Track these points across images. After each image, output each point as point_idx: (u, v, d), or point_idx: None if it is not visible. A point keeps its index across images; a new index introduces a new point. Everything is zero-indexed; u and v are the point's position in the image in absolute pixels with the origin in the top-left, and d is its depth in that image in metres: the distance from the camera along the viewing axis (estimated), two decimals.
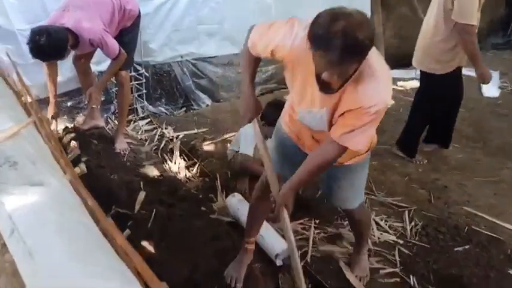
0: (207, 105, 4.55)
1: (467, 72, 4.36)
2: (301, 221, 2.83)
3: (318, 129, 1.80)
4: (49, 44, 2.65)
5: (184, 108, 4.49)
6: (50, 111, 3.22)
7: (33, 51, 2.69)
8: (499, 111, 4.63)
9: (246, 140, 3.08)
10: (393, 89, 4.95)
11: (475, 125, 4.28)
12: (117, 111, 3.81)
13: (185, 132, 3.86)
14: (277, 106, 2.81)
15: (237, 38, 4.62)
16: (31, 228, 0.87)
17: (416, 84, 4.87)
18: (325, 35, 1.35)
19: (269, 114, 2.83)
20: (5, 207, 0.92)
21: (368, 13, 5.34)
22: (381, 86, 1.57)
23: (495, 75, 5.37)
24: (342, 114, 1.62)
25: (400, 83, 5.11)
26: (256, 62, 1.92)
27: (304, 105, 1.76)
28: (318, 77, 1.54)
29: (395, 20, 5.84)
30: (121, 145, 3.37)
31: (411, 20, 5.71)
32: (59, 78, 3.35)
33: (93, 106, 3.39)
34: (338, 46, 1.33)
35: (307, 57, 1.50)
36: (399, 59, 5.80)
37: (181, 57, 4.38)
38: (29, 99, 1.72)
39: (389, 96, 1.59)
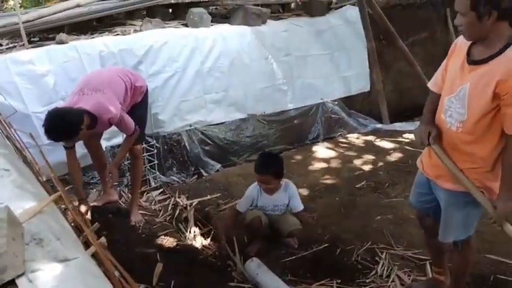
0: (217, 170, 4.60)
1: None
2: (323, 281, 2.77)
3: (459, 119, 1.98)
4: (63, 125, 2.75)
5: (196, 176, 4.54)
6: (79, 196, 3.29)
7: (47, 132, 2.78)
8: None
9: (245, 199, 3.15)
10: (400, 141, 5.01)
11: None
12: (130, 183, 3.87)
13: (198, 200, 3.87)
14: (267, 157, 3.19)
15: (243, 103, 4.79)
16: None
17: None
18: None
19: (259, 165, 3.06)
20: (34, 284, 0.94)
21: (367, 71, 5.54)
22: None
23: None
24: (497, 97, 1.83)
25: (405, 135, 5.17)
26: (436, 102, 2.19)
27: (450, 92, 2.02)
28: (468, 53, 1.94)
29: (393, 75, 6.03)
30: (136, 217, 3.39)
31: (409, 74, 5.89)
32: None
33: (115, 183, 3.44)
34: None
35: (457, 50, 2.01)
36: (401, 112, 5.93)
37: (190, 126, 4.51)
38: (52, 175, 1.79)
39: None
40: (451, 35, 6.15)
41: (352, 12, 5.42)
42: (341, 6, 5.53)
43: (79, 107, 2.87)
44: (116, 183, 3.64)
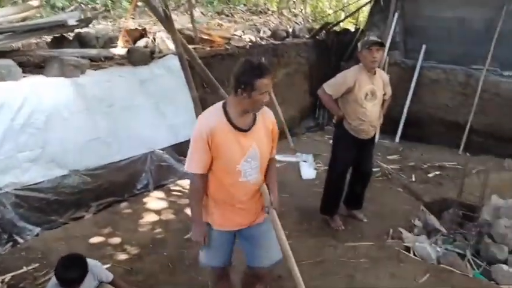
0: (37, 234, 4.23)
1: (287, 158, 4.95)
2: None
3: (253, 173, 2.48)
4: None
5: (10, 243, 4.10)
6: None
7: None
8: (317, 190, 5.17)
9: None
10: None
11: (299, 208, 4.79)
12: None
13: (12, 274, 3.52)
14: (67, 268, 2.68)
15: (63, 159, 4.51)
16: None
17: None
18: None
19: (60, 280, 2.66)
20: None
21: (194, 117, 5.74)
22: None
23: (310, 158, 6.14)
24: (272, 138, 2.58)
25: None
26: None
27: (240, 158, 2.43)
28: None
29: None
30: None
31: None
32: None
33: None
34: None
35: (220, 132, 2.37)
36: None
37: (1, 189, 4.08)
38: None
39: None
40: None
41: (174, 62, 5.54)
42: (163, 56, 5.67)
43: None
44: None
